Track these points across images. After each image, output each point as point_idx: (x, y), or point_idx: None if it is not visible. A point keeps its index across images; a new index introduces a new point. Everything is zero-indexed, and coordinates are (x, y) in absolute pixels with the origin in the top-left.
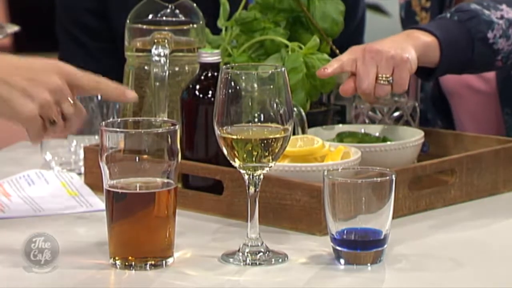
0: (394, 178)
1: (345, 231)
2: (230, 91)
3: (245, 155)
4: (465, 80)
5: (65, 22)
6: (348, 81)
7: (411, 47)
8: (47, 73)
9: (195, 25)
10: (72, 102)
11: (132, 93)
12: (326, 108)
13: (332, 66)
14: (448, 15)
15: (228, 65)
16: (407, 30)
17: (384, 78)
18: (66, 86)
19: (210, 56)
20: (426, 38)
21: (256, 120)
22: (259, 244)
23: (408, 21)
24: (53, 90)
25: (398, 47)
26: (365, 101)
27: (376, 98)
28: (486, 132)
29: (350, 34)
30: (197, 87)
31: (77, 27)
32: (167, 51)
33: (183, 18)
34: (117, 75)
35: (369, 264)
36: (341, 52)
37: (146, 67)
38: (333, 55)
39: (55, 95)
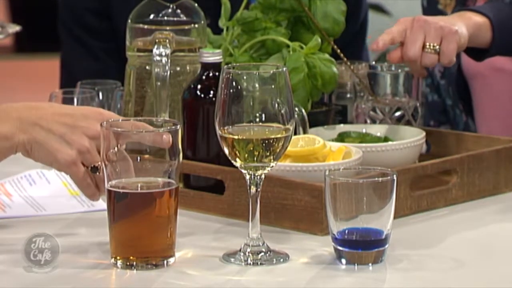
0: (395, 178)
1: (346, 231)
2: (231, 91)
3: (246, 155)
4: (490, 60)
5: (67, 22)
6: (396, 49)
7: (462, 24)
8: (89, 120)
9: (196, 25)
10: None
11: (168, 138)
12: (327, 108)
13: (383, 40)
14: None
15: (230, 65)
16: (459, 11)
17: (431, 47)
18: None
19: (211, 56)
20: (478, 18)
21: (257, 120)
22: (261, 244)
23: (430, 9)
24: (92, 136)
25: (449, 21)
26: (414, 73)
27: (424, 70)
28: (507, 115)
29: (353, 34)
30: (199, 87)
31: (80, 27)
32: (168, 51)
33: (184, 18)
34: (119, 75)
35: (370, 264)
36: (343, 53)
37: (147, 67)
38: (334, 55)
39: (96, 141)
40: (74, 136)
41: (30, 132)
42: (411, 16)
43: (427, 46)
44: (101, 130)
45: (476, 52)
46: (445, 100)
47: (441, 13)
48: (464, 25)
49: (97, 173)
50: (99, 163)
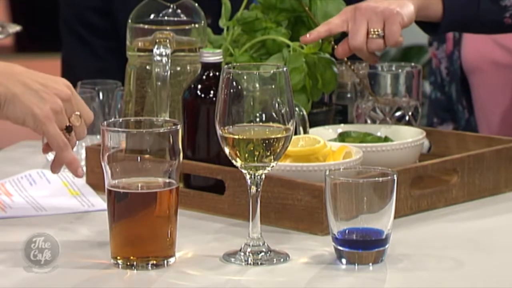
0: (395, 178)
1: (346, 231)
2: (231, 91)
3: (246, 155)
4: (489, 55)
5: (69, 20)
6: (341, 43)
7: (407, 0)
8: (58, 83)
9: (196, 25)
10: (78, 114)
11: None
12: (327, 108)
13: (317, 31)
14: None
15: (230, 64)
16: None
17: (375, 32)
18: (74, 100)
19: (212, 56)
20: None
21: (257, 120)
22: (261, 244)
23: None
24: (63, 98)
25: (390, 2)
26: (365, 60)
27: (374, 56)
28: (506, 109)
29: None
30: (199, 87)
31: (81, 25)
32: (168, 51)
33: (184, 18)
34: (121, 73)
35: (370, 264)
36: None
37: (147, 67)
38: (334, 55)
39: (65, 104)
40: (48, 95)
41: (5, 84)
42: (353, 5)
43: (371, 32)
44: (102, 130)
45: (431, 26)
46: (449, 97)
47: None
48: (411, 0)
49: (71, 133)
50: (71, 124)
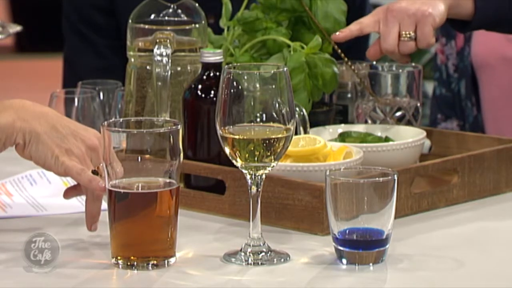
0: (396, 178)
1: (347, 231)
2: (232, 91)
3: (247, 155)
4: (500, 51)
5: (71, 18)
6: (373, 44)
7: (439, 0)
8: (88, 132)
9: (197, 25)
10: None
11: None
12: (328, 108)
13: (349, 29)
14: None
15: (230, 64)
16: None
17: (407, 35)
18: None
19: (212, 55)
20: None
21: (258, 120)
22: (261, 244)
23: None
24: (90, 146)
25: (422, 2)
26: (397, 61)
27: (406, 57)
28: None
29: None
30: (199, 87)
31: (84, 23)
32: (169, 51)
33: (185, 18)
34: (123, 72)
35: (371, 264)
36: (345, 54)
37: (148, 67)
38: (335, 55)
39: (91, 153)
40: (73, 139)
41: (32, 123)
42: (383, 6)
43: (403, 35)
44: (102, 130)
45: (460, 24)
46: (457, 94)
47: None
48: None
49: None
50: (96, 169)
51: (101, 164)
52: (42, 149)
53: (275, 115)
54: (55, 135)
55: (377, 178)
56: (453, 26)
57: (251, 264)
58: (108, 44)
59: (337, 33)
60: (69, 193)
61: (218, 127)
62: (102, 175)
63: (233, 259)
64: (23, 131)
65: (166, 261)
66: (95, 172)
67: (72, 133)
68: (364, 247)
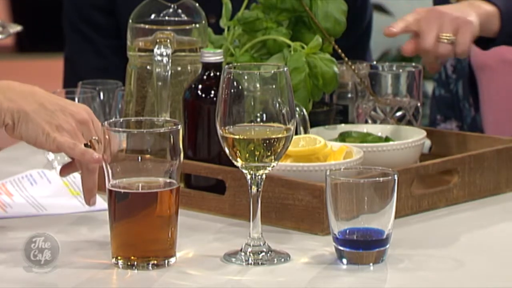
0: (396, 178)
1: (347, 231)
2: (232, 90)
3: (247, 155)
4: (499, 52)
5: (72, 18)
6: (409, 41)
7: (474, 13)
8: (76, 107)
9: (197, 25)
10: (96, 138)
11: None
12: (328, 107)
13: (398, 26)
14: None
15: (231, 64)
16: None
17: (447, 37)
18: (92, 124)
19: (212, 55)
20: (487, 7)
21: (258, 119)
22: (262, 244)
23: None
24: (80, 120)
25: (462, 11)
26: (426, 66)
27: (437, 64)
28: None
29: (359, 35)
30: (200, 87)
31: (85, 23)
32: (169, 51)
33: (185, 18)
34: (123, 72)
35: (371, 264)
36: (345, 54)
37: (148, 67)
38: (335, 55)
39: (82, 126)
40: (63, 115)
41: (19, 102)
42: (427, 7)
43: (443, 37)
44: (102, 130)
45: (483, 41)
46: (455, 94)
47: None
48: (475, 14)
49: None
50: (89, 142)
51: (93, 138)
52: (32, 128)
53: (275, 115)
54: (44, 113)
55: (377, 178)
56: (477, 43)
57: (251, 264)
58: (108, 44)
59: (390, 28)
60: (65, 170)
61: (218, 127)
62: (96, 148)
63: (233, 259)
64: (11, 111)
65: (166, 261)
66: (87, 146)
67: (61, 109)
68: (364, 247)
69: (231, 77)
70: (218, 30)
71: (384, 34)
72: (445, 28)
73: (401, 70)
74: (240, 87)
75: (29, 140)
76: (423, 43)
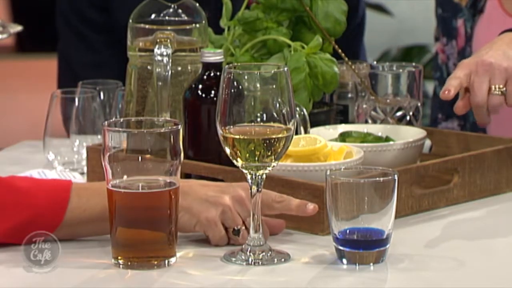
0: (396, 178)
1: (347, 231)
2: (232, 90)
3: (247, 155)
4: None
5: (66, 14)
6: (461, 98)
7: None
8: (233, 187)
9: (197, 25)
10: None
11: (312, 206)
12: (328, 107)
13: (453, 86)
14: None
15: (231, 64)
16: (506, 34)
17: (497, 89)
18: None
19: (212, 55)
20: None
21: (258, 119)
22: (262, 244)
23: (445, 2)
24: (236, 198)
25: (508, 57)
26: (478, 120)
27: (489, 117)
28: None
29: (351, 32)
30: (200, 86)
31: (79, 19)
32: (169, 51)
33: (185, 18)
34: (117, 69)
35: (371, 264)
36: (343, 51)
37: (148, 67)
38: (335, 54)
39: (238, 204)
40: (218, 197)
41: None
42: (472, 58)
43: (493, 89)
44: (103, 130)
45: None
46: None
47: (456, 5)
48: None
49: (238, 237)
50: (241, 226)
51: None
52: (189, 219)
53: (275, 115)
54: (198, 202)
55: (377, 178)
56: None
57: (251, 264)
58: (102, 40)
59: (445, 92)
60: None
61: (218, 127)
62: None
63: (233, 259)
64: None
65: (166, 261)
66: (236, 231)
67: (220, 193)
68: (364, 247)
69: (231, 77)
70: (214, 27)
71: (441, 98)
72: (495, 80)
73: (401, 70)
74: (240, 87)
75: (191, 229)
76: (476, 99)
